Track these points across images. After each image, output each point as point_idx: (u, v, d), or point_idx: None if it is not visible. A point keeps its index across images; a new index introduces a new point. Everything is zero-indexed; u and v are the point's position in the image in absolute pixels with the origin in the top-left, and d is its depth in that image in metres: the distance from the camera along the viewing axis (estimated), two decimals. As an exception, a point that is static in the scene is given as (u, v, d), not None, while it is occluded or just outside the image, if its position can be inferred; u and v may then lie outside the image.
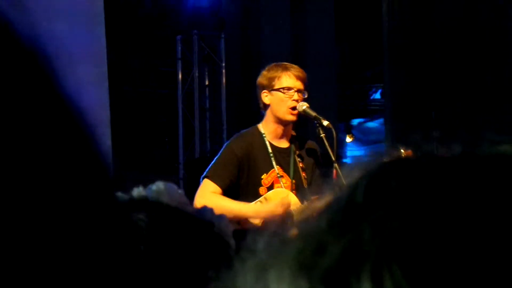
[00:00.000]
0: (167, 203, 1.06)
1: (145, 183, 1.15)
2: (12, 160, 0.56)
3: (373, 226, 0.48)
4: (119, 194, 1.07)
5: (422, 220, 0.48)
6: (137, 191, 1.10)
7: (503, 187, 0.49)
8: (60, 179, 0.58)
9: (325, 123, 4.81)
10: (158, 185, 1.11)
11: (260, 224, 4.73)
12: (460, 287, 0.46)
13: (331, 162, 4.77)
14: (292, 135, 4.98)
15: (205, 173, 4.82)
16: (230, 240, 1.10)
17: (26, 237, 0.55)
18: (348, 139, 12.70)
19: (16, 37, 0.60)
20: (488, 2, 10.22)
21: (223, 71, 10.48)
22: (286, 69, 4.88)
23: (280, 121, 4.87)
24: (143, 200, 1.07)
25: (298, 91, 4.83)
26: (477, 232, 0.47)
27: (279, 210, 4.68)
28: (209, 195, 4.67)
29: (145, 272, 1.00)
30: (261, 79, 4.91)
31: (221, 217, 1.10)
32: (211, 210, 1.11)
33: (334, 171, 4.76)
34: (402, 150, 4.90)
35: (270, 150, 4.87)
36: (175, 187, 1.13)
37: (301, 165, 4.95)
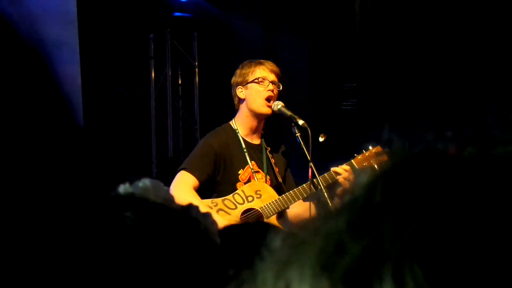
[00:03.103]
0: (154, 200, 1.05)
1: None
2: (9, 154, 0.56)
3: (392, 226, 0.48)
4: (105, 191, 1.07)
5: (442, 220, 0.47)
6: (123, 188, 1.10)
7: None
8: (55, 176, 0.58)
9: (301, 122, 4.84)
10: (144, 182, 1.10)
11: None
12: (481, 286, 0.45)
13: (307, 161, 4.79)
14: (262, 133, 5.02)
15: (182, 165, 4.82)
16: (216, 238, 1.10)
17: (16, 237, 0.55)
18: (321, 139, 12.65)
19: (17, 34, 0.60)
20: (458, 11, 10.32)
21: (196, 70, 10.46)
22: (259, 63, 4.94)
23: (255, 115, 4.89)
24: (130, 197, 1.07)
25: (272, 82, 4.86)
26: (498, 232, 0.46)
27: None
28: (186, 190, 4.64)
29: (132, 269, 0.99)
30: (235, 77, 4.96)
31: (207, 215, 1.10)
32: (196, 207, 1.10)
33: (310, 170, 4.78)
34: (370, 147, 4.94)
35: (243, 146, 4.89)
36: (161, 184, 1.12)
37: (273, 160, 4.98)
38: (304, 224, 0.54)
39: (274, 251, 0.53)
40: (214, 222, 1.11)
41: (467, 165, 0.52)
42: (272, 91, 4.89)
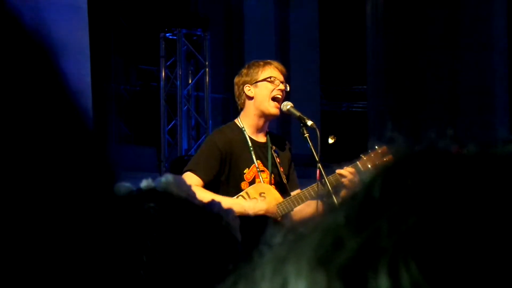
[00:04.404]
0: (177, 194, 1.06)
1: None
2: (15, 153, 0.57)
3: (390, 222, 0.48)
4: (127, 185, 1.08)
5: (439, 216, 0.48)
6: (146, 182, 1.11)
7: None
8: (64, 174, 0.59)
9: (309, 123, 4.82)
10: (167, 177, 1.12)
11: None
12: (476, 283, 0.46)
13: (315, 162, 4.78)
14: (267, 131, 5.01)
15: (187, 166, 4.82)
16: (237, 234, 1.11)
17: (29, 234, 0.55)
18: (330, 140, 12.62)
19: (24, 28, 0.61)
20: (470, 17, 10.32)
21: (207, 69, 10.48)
22: (267, 63, 4.93)
23: (263, 115, 4.87)
24: (153, 190, 1.08)
25: (282, 82, 4.86)
26: (495, 229, 0.47)
27: (259, 208, 4.69)
28: (196, 189, 4.63)
29: (156, 260, 1.00)
30: (242, 77, 4.92)
31: (229, 211, 1.11)
32: (219, 203, 1.11)
33: (318, 171, 4.77)
34: (376, 147, 4.93)
35: (250, 144, 4.87)
36: (183, 179, 1.13)
37: (278, 160, 4.97)
38: (304, 220, 0.55)
39: (273, 247, 0.53)
40: (235, 218, 1.12)
41: (466, 163, 0.53)
42: (282, 91, 4.88)
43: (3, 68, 0.59)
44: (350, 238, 0.48)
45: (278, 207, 4.76)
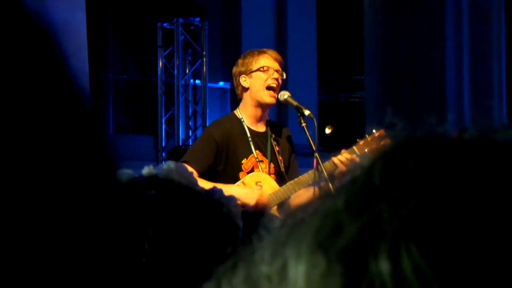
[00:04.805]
0: (178, 181, 1.07)
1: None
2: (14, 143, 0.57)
3: (390, 206, 0.49)
4: (129, 172, 1.09)
5: (440, 200, 0.48)
6: (148, 170, 1.12)
7: None
8: (66, 160, 0.59)
9: (307, 112, 4.82)
10: (169, 164, 1.12)
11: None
12: (478, 267, 0.47)
13: (312, 152, 4.79)
14: (267, 120, 5.01)
15: (183, 157, 4.84)
16: (238, 221, 1.12)
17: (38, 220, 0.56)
18: (328, 130, 12.58)
19: (26, 11, 0.61)
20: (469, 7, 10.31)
21: (204, 59, 10.46)
22: (263, 52, 4.93)
23: (259, 105, 4.87)
24: (154, 177, 1.08)
25: (277, 71, 4.86)
26: (496, 212, 0.48)
27: (254, 196, 4.69)
28: None
29: (158, 247, 1.01)
30: (238, 67, 4.93)
31: (230, 198, 1.12)
32: (220, 190, 1.12)
33: (315, 160, 4.77)
34: (374, 130, 4.92)
35: (248, 134, 4.88)
36: (185, 166, 1.14)
37: (277, 148, 4.96)
38: (303, 205, 0.55)
39: (273, 231, 0.54)
40: (237, 205, 1.12)
41: (467, 148, 0.53)
42: (277, 79, 4.88)
43: (6, 51, 0.59)
44: (350, 223, 0.49)
45: (274, 195, 4.76)
